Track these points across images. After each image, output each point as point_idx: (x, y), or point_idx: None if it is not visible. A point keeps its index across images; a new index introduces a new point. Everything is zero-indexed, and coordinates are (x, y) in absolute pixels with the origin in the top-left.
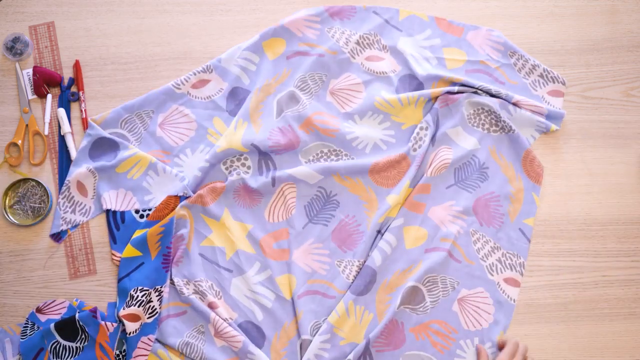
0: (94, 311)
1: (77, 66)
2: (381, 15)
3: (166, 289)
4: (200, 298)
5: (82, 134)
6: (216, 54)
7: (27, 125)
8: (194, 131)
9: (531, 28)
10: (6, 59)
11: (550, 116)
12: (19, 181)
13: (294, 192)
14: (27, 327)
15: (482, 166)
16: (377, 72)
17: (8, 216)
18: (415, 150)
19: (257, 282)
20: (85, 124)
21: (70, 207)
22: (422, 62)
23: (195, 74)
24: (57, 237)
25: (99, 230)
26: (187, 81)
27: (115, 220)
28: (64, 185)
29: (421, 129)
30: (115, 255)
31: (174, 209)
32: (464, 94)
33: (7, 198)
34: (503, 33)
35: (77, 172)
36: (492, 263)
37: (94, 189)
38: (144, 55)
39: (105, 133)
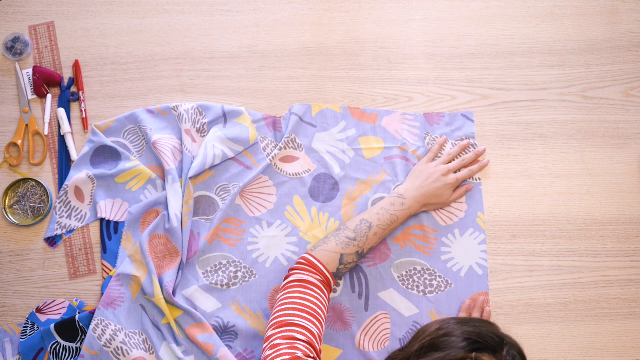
0: (93, 312)
1: (76, 66)
2: (297, 114)
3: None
4: (115, 353)
5: (82, 134)
6: (216, 54)
7: (27, 125)
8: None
9: (531, 28)
10: (6, 59)
11: (469, 192)
12: (19, 181)
13: (191, 317)
14: (27, 327)
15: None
16: (290, 174)
17: (8, 216)
18: None
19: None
20: (85, 124)
21: (66, 212)
22: (340, 157)
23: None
24: (51, 241)
25: (99, 230)
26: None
27: (109, 230)
28: (62, 189)
29: None
30: (106, 266)
31: None
32: (389, 260)
33: (7, 198)
34: (503, 33)
35: (76, 177)
36: None
37: (92, 196)
38: (144, 55)
39: (108, 141)
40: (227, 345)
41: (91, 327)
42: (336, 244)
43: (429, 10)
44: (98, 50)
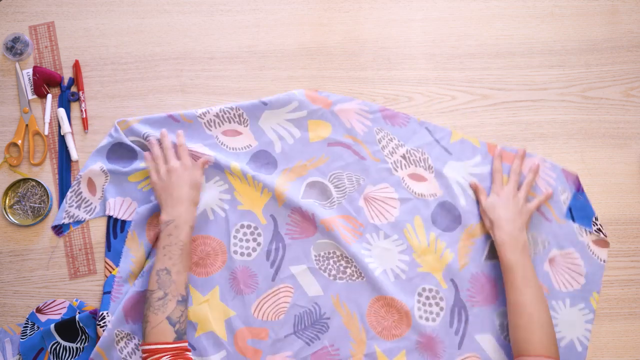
0: (94, 312)
1: (76, 66)
2: (432, 134)
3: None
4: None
5: (82, 134)
6: (216, 54)
7: (27, 125)
8: (211, 163)
9: (531, 28)
10: (6, 59)
11: (590, 268)
12: (19, 181)
13: (289, 296)
14: (27, 327)
15: None
16: (416, 194)
17: (8, 216)
18: (420, 318)
19: None
20: (85, 124)
21: (76, 202)
22: (469, 191)
23: (229, 120)
24: (58, 230)
25: (99, 230)
26: (220, 125)
27: (115, 228)
28: (76, 179)
29: (430, 290)
30: (109, 264)
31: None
32: (494, 305)
33: (7, 198)
34: (503, 33)
35: (90, 168)
36: None
37: (103, 190)
38: (144, 55)
39: (127, 140)
40: (315, 336)
41: (114, 336)
42: (154, 314)
43: (429, 10)
44: (98, 50)
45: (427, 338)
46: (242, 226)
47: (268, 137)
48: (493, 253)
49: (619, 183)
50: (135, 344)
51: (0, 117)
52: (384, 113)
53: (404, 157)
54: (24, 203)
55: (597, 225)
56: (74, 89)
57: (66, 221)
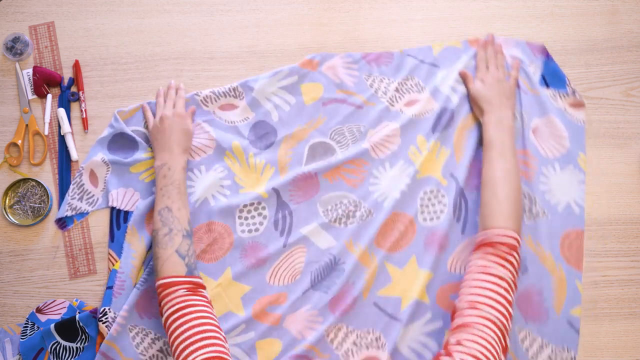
0: (94, 312)
1: (76, 66)
2: (416, 57)
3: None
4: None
5: (82, 134)
6: (216, 54)
7: (27, 125)
8: (212, 149)
9: (531, 28)
10: (6, 59)
11: (572, 131)
12: (19, 181)
13: (303, 256)
14: (27, 327)
15: (521, 260)
16: (414, 115)
17: (8, 216)
18: (425, 220)
19: (234, 344)
20: (85, 124)
21: (78, 194)
22: (460, 89)
23: (225, 95)
24: (62, 224)
25: (99, 230)
26: (215, 100)
27: (118, 219)
28: (78, 171)
29: (431, 191)
30: (112, 256)
31: None
32: None
33: (7, 198)
34: (503, 33)
35: (92, 159)
36: None
37: (105, 182)
38: (144, 55)
39: (128, 130)
40: (332, 283)
41: (128, 331)
42: (163, 249)
43: (429, 10)
44: (98, 50)
45: (433, 235)
46: (245, 206)
47: (264, 107)
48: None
49: (619, 183)
50: (151, 339)
51: (0, 117)
52: (367, 58)
53: (397, 90)
54: (24, 203)
55: (570, 87)
56: (73, 89)
57: (69, 214)
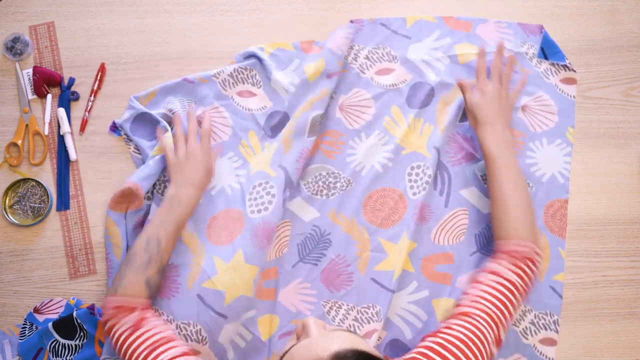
0: (91, 308)
1: (102, 69)
2: (388, 27)
3: None
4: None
5: (82, 134)
6: (216, 54)
7: (27, 125)
8: (228, 136)
9: None
10: (6, 59)
11: (561, 105)
12: (19, 181)
13: (288, 230)
14: (26, 327)
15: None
16: (387, 85)
17: (8, 216)
18: (414, 195)
19: (241, 324)
20: (83, 127)
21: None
22: (435, 65)
23: (243, 82)
24: (113, 127)
25: (99, 230)
26: (234, 85)
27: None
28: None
29: (418, 167)
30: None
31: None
32: (474, 159)
33: (7, 198)
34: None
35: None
36: (526, 327)
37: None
38: (144, 55)
39: (146, 109)
40: (320, 254)
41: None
42: (135, 274)
43: (429, 11)
44: (98, 50)
45: (420, 209)
46: (254, 187)
47: (281, 97)
48: (466, 115)
49: (619, 183)
50: (163, 321)
51: (0, 117)
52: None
53: (367, 57)
54: (24, 203)
55: (568, 61)
56: (74, 88)
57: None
